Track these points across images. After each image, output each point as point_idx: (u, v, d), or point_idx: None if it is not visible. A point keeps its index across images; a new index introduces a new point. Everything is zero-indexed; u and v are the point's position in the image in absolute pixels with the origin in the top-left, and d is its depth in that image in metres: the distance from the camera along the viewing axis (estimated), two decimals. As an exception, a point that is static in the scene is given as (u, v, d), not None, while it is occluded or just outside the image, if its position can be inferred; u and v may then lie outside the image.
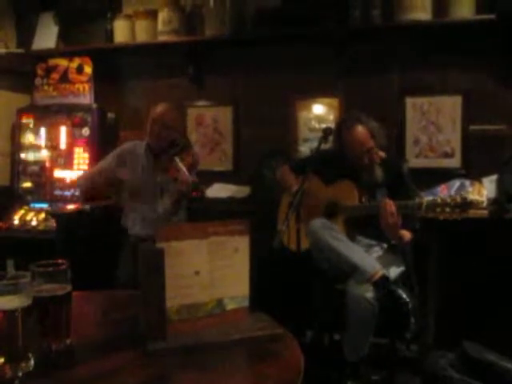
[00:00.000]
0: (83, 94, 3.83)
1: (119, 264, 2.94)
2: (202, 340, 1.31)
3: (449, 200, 2.32)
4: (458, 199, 2.30)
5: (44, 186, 3.78)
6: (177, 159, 2.87)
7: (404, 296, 2.30)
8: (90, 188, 3.19)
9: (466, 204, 2.29)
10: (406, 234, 2.55)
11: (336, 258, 2.47)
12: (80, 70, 3.84)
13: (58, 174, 3.76)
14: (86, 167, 3.64)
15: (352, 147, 2.66)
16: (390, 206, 2.44)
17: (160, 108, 3.06)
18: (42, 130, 3.82)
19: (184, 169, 2.85)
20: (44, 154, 3.81)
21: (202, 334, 1.34)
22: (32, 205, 3.72)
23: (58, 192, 3.74)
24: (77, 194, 3.58)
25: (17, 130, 3.88)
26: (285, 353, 1.30)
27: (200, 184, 3.15)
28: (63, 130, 3.74)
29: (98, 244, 3.08)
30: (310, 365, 1.25)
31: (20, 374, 1.13)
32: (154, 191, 3.06)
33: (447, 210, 2.32)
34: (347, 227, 2.68)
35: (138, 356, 1.25)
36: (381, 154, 2.76)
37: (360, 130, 2.65)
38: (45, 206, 3.69)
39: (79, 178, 3.40)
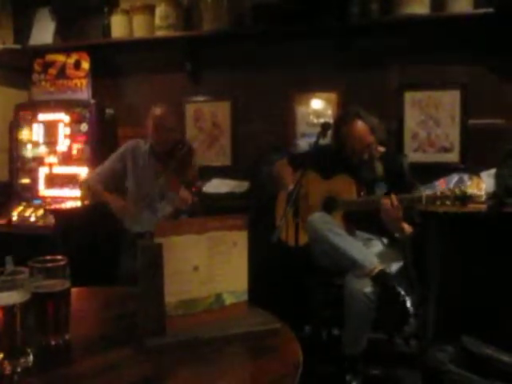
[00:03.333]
0: (81, 89, 3.83)
1: (118, 260, 2.94)
2: (201, 335, 1.31)
3: (448, 193, 2.34)
4: (458, 192, 2.31)
5: (42, 182, 3.78)
6: (177, 175, 2.90)
7: (402, 291, 2.30)
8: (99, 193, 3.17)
9: (466, 197, 2.30)
10: (408, 228, 2.55)
11: (335, 252, 2.46)
12: (77, 65, 3.84)
13: (57, 169, 3.75)
14: (84, 163, 3.63)
15: (352, 143, 2.66)
16: (393, 199, 2.44)
17: (159, 111, 3.08)
18: (40, 126, 3.81)
19: (183, 187, 2.88)
20: (42, 149, 3.80)
21: (200, 329, 1.34)
22: (30, 201, 3.72)
23: (56, 188, 3.74)
24: (76, 191, 3.58)
25: (15, 126, 3.87)
26: (283, 347, 1.30)
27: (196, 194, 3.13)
28: (61, 126, 3.73)
29: (97, 240, 3.08)
30: (308, 360, 1.25)
31: (19, 369, 1.13)
32: (154, 193, 3.07)
33: (447, 202, 2.33)
34: (346, 222, 2.68)
35: (137, 351, 1.25)
36: (380, 149, 2.76)
37: (360, 125, 2.65)
38: (43, 202, 3.69)
39: (88, 181, 3.28)
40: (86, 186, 3.22)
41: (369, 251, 2.53)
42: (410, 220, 2.55)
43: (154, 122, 3.05)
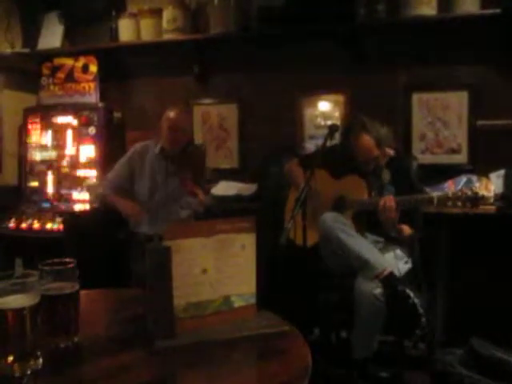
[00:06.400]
0: (89, 93, 3.84)
1: (127, 262, 2.94)
2: (210, 337, 1.31)
3: (460, 194, 2.33)
4: (469, 193, 2.31)
5: (51, 185, 3.80)
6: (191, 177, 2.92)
7: (411, 294, 2.29)
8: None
9: (477, 198, 2.29)
10: (406, 229, 2.54)
11: (346, 252, 2.45)
12: (85, 69, 3.85)
13: (65, 173, 3.77)
14: (92, 166, 3.65)
15: (358, 154, 2.67)
16: (390, 201, 2.45)
17: (174, 111, 3.07)
18: (49, 130, 3.83)
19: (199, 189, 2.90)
20: (51, 153, 3.82)
21: (209, 331, 1.35)
22: (39, 204, 3.74)
23: (65, 191, 3.75)
24: (84, 193, 3.59)
25: (23, 130, 3.90)
26: (292, 350, 1.30)
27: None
28: (69, 130, 3.75)
29: (106, 242, 3.08)
30: (317, 362, 1.25)
31: (29, 372, 1.13)
32: (166, 195, 3.07)
33: (458, 204, 2.33)
34: (355, 222, 2.66)
35: (147, 354, 1.25)
36: (389, 153, 2.75)
37: (365, 139, 2.63)
38: (52, 205, 3.70)
39: (100, 189, 3.28)
40: (100, 195, 3.22)
41: (379, 253, 2.52)
42: (413, 225, 2.55)
43: (169, 123, 3.04)
